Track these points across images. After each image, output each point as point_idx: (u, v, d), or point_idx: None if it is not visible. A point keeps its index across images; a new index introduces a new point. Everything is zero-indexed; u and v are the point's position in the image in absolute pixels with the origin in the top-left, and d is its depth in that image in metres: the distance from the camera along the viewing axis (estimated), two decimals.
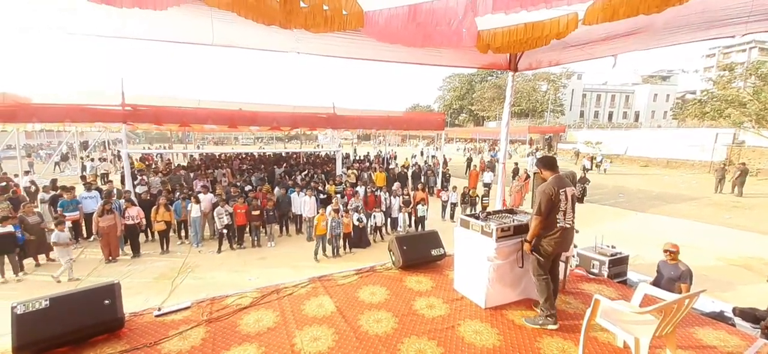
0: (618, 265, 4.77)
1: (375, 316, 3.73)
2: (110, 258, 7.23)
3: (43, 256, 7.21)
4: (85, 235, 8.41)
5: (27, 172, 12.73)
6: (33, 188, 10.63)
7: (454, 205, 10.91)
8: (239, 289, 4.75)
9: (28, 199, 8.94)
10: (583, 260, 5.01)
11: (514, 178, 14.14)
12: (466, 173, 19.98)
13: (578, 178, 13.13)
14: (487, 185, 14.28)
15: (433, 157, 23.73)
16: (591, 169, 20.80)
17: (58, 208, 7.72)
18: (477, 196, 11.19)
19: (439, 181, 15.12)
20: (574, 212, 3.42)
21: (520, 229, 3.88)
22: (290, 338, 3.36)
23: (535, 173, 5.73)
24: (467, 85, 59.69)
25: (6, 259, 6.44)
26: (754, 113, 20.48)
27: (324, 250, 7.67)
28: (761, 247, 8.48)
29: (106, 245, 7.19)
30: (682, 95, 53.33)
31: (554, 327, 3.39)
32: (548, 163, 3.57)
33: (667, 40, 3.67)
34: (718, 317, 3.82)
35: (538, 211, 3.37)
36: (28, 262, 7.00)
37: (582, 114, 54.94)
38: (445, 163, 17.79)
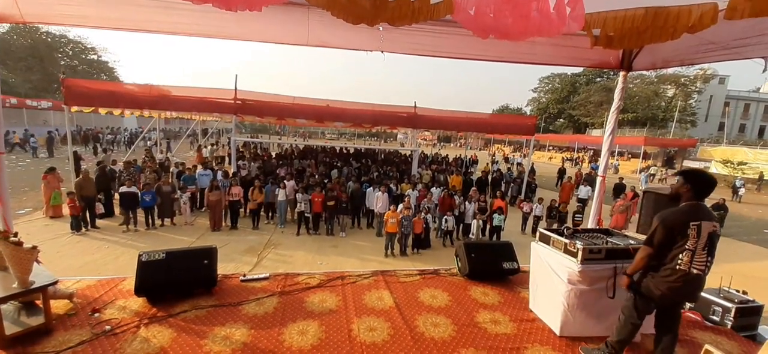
0: (747, 315, 3.77)
1: (433, 320, 3.60)
2: (214, 227, 8.51)
3: (169, 220, 8.81)
4: (198, 206, 10.06)
5: (164, 151, 15.80)
6: (167, 163, 13.18)
7: (537, 218, 9.89)
8: (310, 269, 5.11)
9: (163, 172, 11.11)
10: (702, 303, 4.04)
11: (617, 196, 12.08)
12: (557, 185, 18.04)
13: (713, 203, 10.62)
14: (583, 201, 12.61)
15: (518, 164, 22.04)
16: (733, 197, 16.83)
17: (181, 181, 9.39)
18: (567, 211, 9.98)
19: (523, 190, 13.94)
20: (711, 257, 2.54)
21: (614, 254, 3.31)
22: (348, 323, 3.47)
23: (644, 192, 4.80)
24: (569, 87, 53.18)
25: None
26: None
27: (392, 247, 7.74)
28: None
29: (213, 216, 8.50)
30: None
31: None
32: (696, 180, 2.64)
33: None
34: None
35: (647, 240, 2.68)
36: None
37: (721, 126, 44.33)
38: (532, 171, 16.31)
